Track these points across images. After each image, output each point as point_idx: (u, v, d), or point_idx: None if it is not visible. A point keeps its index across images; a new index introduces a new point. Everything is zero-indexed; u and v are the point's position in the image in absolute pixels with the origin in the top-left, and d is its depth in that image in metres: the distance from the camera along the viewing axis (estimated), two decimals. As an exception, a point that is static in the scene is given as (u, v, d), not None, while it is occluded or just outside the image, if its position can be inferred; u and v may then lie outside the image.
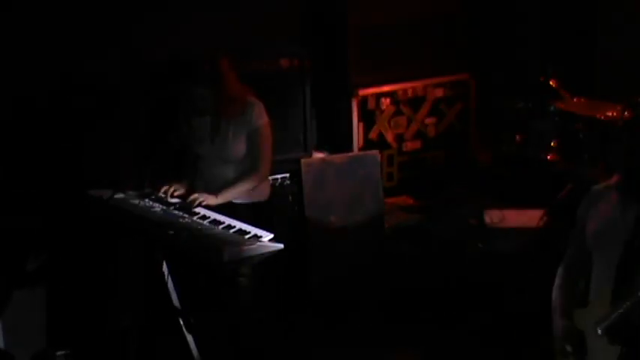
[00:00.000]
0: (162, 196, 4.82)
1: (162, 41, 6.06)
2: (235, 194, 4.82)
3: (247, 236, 4.37)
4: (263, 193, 5.00)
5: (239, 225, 4.50)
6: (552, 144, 6.37)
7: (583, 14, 7.16)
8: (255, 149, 4.81)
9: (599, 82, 7.03)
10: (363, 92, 6.91)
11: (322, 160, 6.15)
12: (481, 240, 6.02)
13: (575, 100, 6.41)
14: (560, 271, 3.92)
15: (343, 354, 5.45)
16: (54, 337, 5.17)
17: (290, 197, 6.03)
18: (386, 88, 6.99)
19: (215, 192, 4.77)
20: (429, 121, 7.21)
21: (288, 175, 6.03)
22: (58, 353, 4.85)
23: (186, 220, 4.56)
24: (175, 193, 4.84)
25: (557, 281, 3.93)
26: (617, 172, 3.54)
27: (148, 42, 6.05)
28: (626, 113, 5.90)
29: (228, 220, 4.55)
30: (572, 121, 6.21)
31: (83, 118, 5.84)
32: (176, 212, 4.65)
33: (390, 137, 7.07)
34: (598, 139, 5.98)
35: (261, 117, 4.81)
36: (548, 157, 6.37)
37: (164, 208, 4.71)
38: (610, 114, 5.97)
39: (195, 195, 4.75)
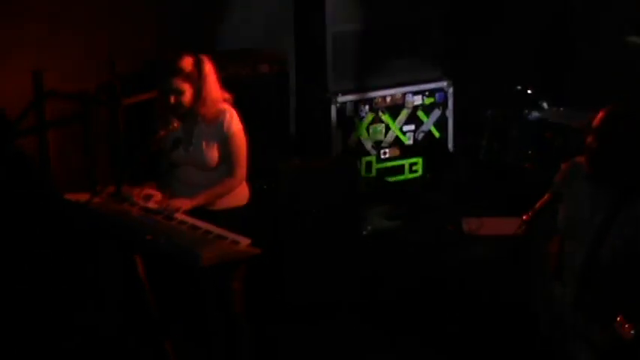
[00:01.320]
0: (139, 200, 4.80)
1: (138, 47, 6.06)
2: (210, 199, 4.81)
3: (225, 241, 4.36)
4: (242, 198, 4.99)
5: (217, 230, 4.48)
6: (529, 152, 6.39)
7: (559, 23, 7.20)
8: (229, 156, 4.80)
9: (575, 90, 7.07)
10: (342, 99, 6.91)
11: (300, 165, 6.15)
12: (459, 247, 6.04)
13: (552, 108, 6.45)
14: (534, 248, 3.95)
15: (318, 359, 5.45)
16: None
17: (268, 203, 6.02)
18: (365, 95, 7.00)
19: (190, 197, 4.76)
20: (407, 128, 7.22)
21: (266, 180, 6.02)
22: None
23: (164, 225, 4.54)
24: (152, 198, 4.82)
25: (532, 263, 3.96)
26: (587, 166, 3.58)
27: (124, 49, 6.04)
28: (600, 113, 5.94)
29: (206, 226, 4.54)
30: (549, 130, 6.24)
31: (59, 122, 5.82)
32: (154, 217, 4.63)
33: (368, 144, 7.08)
34: (574, 148, 6.01)
35: (234, 125, 4.79)
36: (526, 165, 6.39)
37: (141, 212, 4.69)
38: (587, 118, 6.01)
39: (172, 200, 4.74)
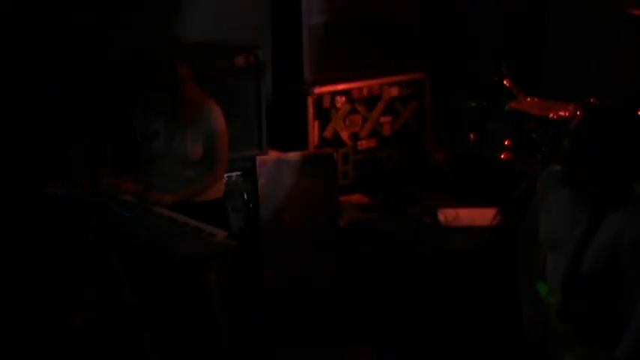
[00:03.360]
0: (118, 194, 4.79)
1: (114, 39, 6.02)
2: (190, 194, 4.82)
3: (202, 234, 4.36)
4: (217, 191, 5.01)
5: (194, 223, 4.48)
6: (506, 143, 6.41)
7: (535, 14, 7.22)
8: (211, 152, 4.83)
9: (551, 82, 7.10)
10: (318, 90, 6.91)
11: (277, 158, 6.15)
12: (435, 238, 6.05)
13: (528, 99, 6.47)
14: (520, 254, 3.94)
15: (296, 353, 5.45)
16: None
17: (245, 195, 6.02)
18: (341, 87, 7.00)
19: (170, 191, 4.76)
20: (384, 119, 7.22)
21: (242, 173, 6.02)
22: None
23: (142, 217, 4.53)
24: (130, 191, 4.82)
25: (519, 264, 3.94)
26: (565, 171, 3.53)
27: (101, 40, 6.00)
28: (577, 113, 5.98)
29: (183, 218, 4.54)
30: (525, 121, 6.26)
31: (37, 116, 5.78)
32: (131, 210, 4.63)
33: (345, 136, 7.08)
34: (550, 139, 6.04)
35: (218, 121, 4.83)
36: (502, 156, 6.41)
37: (119, 205, 4.68)
38: (562, 114, 6.04)
39: (151, 193, 4.74)
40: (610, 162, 3.38)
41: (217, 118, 4.82)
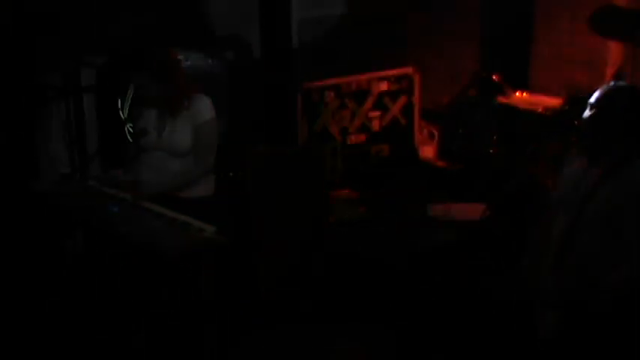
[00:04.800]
0: (105, 187, 4.79)
1: (104, 33, 6.01)
2: (177, 185, 4.83)
3: (190, 229, 4.36)
4: (208, 188, 5.01)
5: (182, 218, 4.49)
6: (494, 138, 6.43)
7: (522, 9, 7.24)
8: (200, 143, 4.83)
9: (537, 77, 7.12)
10: (307, 85, 6.91)
11: (267, 153, 6.15)
12: (424, 233, 6.06)
13: (516, 94, 6.49)
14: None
15: (285, 348, 5.46)
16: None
17: (235, 190, 6.02)
18: (330, 82, 7.00)
19: (158, 183, 4.76)
20: (373, 114, 7.23)
21: (233, 168, 6.02)
22: None
23: (130, 212, 4.53)
24: (119, 185, 4.83)
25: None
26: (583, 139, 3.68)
27: (90, 34, 6.00)
28: (566, 108, 6.01)
29: (171, 214, 4.54)
30: (513, 115, 6.28)
31: (27, 109, 5.78)
32: (119, 204, 4.62)
33: (334, 130, 7.08)
34: (539, 133, 6.06)
35: (208, 112, 4.83)
36: (491, 150, 6.43)
37: (107, 199, 4.68)
38: (550, 105, 6.08)
39: (138, 186, 4.74)
40: (624, 131, 3.64)
41: (206, 109, 4.83)
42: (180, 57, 4.82)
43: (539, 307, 3.81)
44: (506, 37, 7.18)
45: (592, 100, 3.72)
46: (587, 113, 3.71)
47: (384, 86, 7.23)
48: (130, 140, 4.92)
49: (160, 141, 4.82)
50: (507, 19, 7.16)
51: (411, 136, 7.42)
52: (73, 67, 5.92)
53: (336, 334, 5.50)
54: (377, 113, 7.25)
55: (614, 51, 6.36)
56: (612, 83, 3.78)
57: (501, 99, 6.41)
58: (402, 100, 7.33)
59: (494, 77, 6.50)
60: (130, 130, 4.86)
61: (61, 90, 5.90)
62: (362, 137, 7.23)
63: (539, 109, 6.11)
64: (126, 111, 4.92)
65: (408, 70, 7.30)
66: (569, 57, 6.71)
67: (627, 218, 3.57)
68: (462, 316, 5.33)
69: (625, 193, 3.58)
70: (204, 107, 4.82)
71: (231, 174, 5.98)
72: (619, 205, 3.58)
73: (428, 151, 7.38)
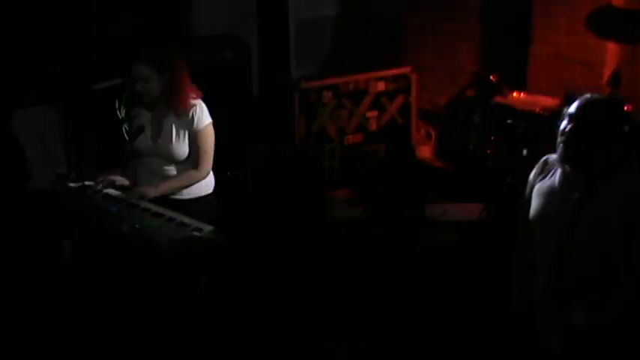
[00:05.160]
0: (102, 188, 4.78)
1: (103, 32, 6.01)
2: (173, 188, 4.82)
3: (188, 229, 4.36)
4: (207, 188, 5.00)
5: (180, 217, 4.48)
6: (492, 138, 6.43)
7: (520, 9, 7.24)
8: (197, 149, 4.82)
9: (535, 77, 7.12)
10: (305, 85, 6.91)
11: (264, 153, 6.15)
12: (423, 233, 6.07)
13: (514, 94, 6.49)
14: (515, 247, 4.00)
15: (284, 348, 5.45)
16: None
17: (234, 190, 6.01)
18: (328, 82, 7.00)
19: (154, 185, 4.76)
20: (370, 114, 7.23)
21: (232, 168, 6.02)
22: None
23: (127, 211, 4.53)
24: (118, 183, 4.82)
25: (513, 255, 4.01)
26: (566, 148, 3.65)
27: (89, 33, 6.00)
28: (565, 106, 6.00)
29: (169, 213, 4.53)
30: (511, 116, 6.28)
31: (22, 108, 5.77)
32: (116, 204, 4.62)
33: (331, 131, 7.09)
34: (536, 134, 6.06)
35: (205, 119, 4.81)
36: (488, 151, 6.43)
37: (104, 200, 4.68)
38: (548, 105, 6.08)
39: (135, 187, 4.74)
40: (607, 140, 3.58)
41: (204, 115, 4.81)
42: (179, 58, 4.79)
43: (541, 331, 3.79)
44: (504, 37, 7.17)
45: (571, 111, 3.70)
46: (566, 125, 3.69)
47: (381, 86, 7.24)
48: (127, 139, 4.89)
49: (157, 146, 4.81)
50: (505, 20, 7.16)
51: (409, 136, 7.42)
52: (70, 67, 5.91)
53: (336, 334, 5.50)
54: (374, 113, 7.26)
55: (611, 51, 6.36)
56: (588, 95, 3.76)
57: (499, 99, 6.41)
58: (400, 100, 7.33)
59: (491, 77, 6.50)
60: (127, 129, 4.84)
61: (57, 89, 5.89)
62: (359, 137, 7.24)
63: (537, 110, 6.12)
64: (123, 111, 4.89)
65: (406, 70, 7.31)
66: (567, 57, 6.71)
67: (633, 221, 3.54)
68: (461, 317, 5.33)
69: (625, 194, 3.57)
70: (201, 114, 4.80)
71: (229, 174, 5.97)
72: (619, 206, 3.56)
73: (425, 152, 7.39)
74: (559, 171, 3.74)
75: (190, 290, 4.78)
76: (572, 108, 3.68)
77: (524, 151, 6.10)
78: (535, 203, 3.80)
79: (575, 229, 3.61)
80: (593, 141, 3.59)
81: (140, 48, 4.75)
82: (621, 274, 3.57)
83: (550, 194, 3.74)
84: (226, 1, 6.67)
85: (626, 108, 3.74)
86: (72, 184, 4.84)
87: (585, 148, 3.62)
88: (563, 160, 3.68)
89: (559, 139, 3.69)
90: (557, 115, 3.75)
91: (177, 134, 4.78)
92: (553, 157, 3.80)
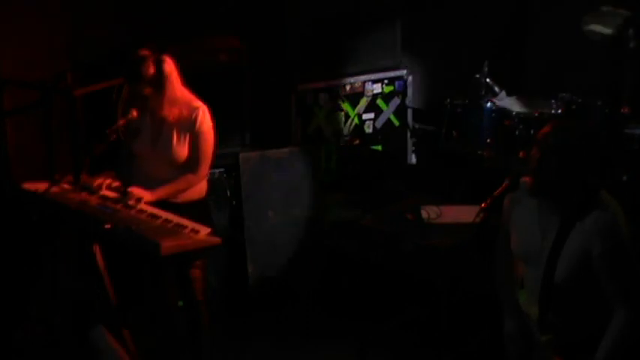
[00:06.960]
0: (98, 189, 4.77)
1: (100, 34, 6.01)
2: (171, 193, 4.80)
3: (184, 230, 4.35)
4: (200, 192, 4.98)
5: (176, 219, 4.47)
6: (488, 140, 6.43)
7: (517, 12, 7.26)
8: (197, 152, 4.80)
9: (532, 79, 7.14)
10: (301, 87, 6.91)
11: (260, 155, 6.14)
12: (417, 235, 6.06)
13: (510, 97, 6.49)
14: (497, 269, 3.97)
15: (279, 347, 5.46)
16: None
17: (228, 192, 6.01)
18: (324, 83, 7.00)
19: (151, 189, 4.75)
20: (367, 116, 7.23)
21: (226, 169, 6.01)
22: None
23: (123, 213, 4.52)
24: (113, 185, 4.81)
25: (497, 279, 3.97)
26: (532, 180, 3.57)
27: (85, 36, 6.00)
28: (559, 111, 6.01)
29: (165, 215, 4.52)
30: (507, 118, 6.28)
31: (18, 111, 5.76)
32: (113, 206, 4.61)
33: (328, 132, 7.09)
34: (532, 137, 6.06)
35: (206, 121, 4.79)
36: (484, 153, 6.43)
37: (100, 201, 4.67)
38: (544, 111, 6.08)
39: (132, 189, 4.72)
40: (575, 171, 3.47)
41: (205, 117, 4.79)
42: (171, 56, 4.77)
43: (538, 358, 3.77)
44: (501, 39, 7.19)
45: (543, 139, 3.53)
46: (532, 154, 3.53)
47: (377, 88, 7.24)
48: (120, 143, 4.88)
49: (156, 149, 4.80)
50: (502, 22, 7.17)
51: (405, 137, 7.43)
52: (67, 67, 5.91)
53: (334, 335, 5.51)
54: (371, 115, 7.26)
55: (607, 53, 6.38)
56: (561, 121, 3.65)
57: (495, 101, 6.41)
58: (396, 102, 7.34)
59: (488, 79, 6.50)
60: (123, 131, 4.83)
61: (53, 90, 5.88)
62: (356, 139, 7.24)
63: (534, 112, 6.12)
64: (120, 112, 4.88)
65: (402, 72, 7.31)
66: (563, 59, 6.72)
67: (611, 259, 3.45)
68: (460, 317, 5.33)
69: (598, 230, 3.45)
70: (202, 117, 4.78)
71: (225, 176, 5.97)
72: (593, 241, 3.48)
73: (420, 153, 7.38)
74: (532, 200, 3.62)
75: (186, 291, 4.78)
76: (544, 136, 3.56)
77: (520, 154, 6.11)
78: (516, 238, 3.72)
79: (555, 269, 3.54)
80: (558, 171, 3.47)
81: (134, 49, 4.74)
82: (614, 304, 3.51)
83: (529, 230, 3.65)
84: (222, 1, 6.66)
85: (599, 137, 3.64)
86: (68, 185, 4.84)
87: (549, 179, 3.50)
88: (530, 192, 3.58)
89: (528, 167, 3.55)
90: (553, 117, 3.69)
91: (178, 137, 4.76)
92: (515, 193, 3.70)
